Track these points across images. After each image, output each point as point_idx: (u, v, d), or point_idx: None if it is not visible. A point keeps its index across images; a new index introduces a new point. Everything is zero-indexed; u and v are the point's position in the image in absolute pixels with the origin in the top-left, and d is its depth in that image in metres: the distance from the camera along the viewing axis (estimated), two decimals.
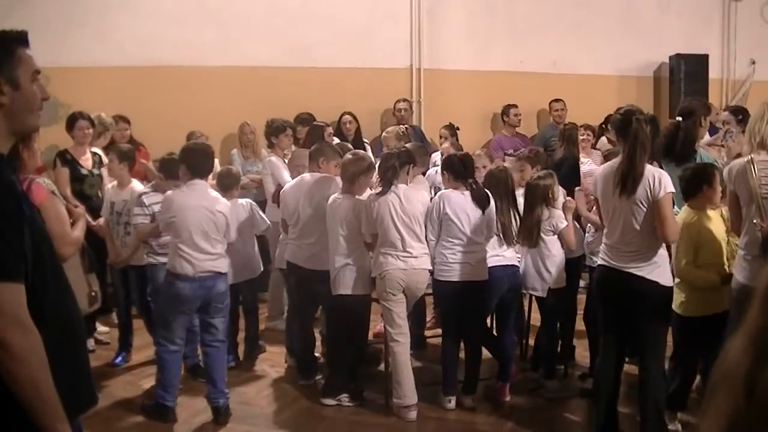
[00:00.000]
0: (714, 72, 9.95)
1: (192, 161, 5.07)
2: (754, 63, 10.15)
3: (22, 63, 2.11)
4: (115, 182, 6.16)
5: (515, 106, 9.39)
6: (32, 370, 1.93)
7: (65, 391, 2.01)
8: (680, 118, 5.37)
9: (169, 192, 5.20)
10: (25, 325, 1.93)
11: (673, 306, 4.67)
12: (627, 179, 4.18)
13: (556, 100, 9.47)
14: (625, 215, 4.24)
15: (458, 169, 5.31)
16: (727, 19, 10.31)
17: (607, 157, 5.66)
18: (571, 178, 6.78)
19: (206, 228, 4.97)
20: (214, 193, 5.17)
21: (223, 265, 5.08)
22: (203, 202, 4.99)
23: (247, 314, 6.46)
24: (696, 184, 4.66)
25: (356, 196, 5.30)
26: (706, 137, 6.22)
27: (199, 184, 5.04)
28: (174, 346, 5.08)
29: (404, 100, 9.24)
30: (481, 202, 5.21)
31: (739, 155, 4.77)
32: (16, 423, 1.96)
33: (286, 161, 7.24)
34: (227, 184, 6.05)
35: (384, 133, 7.78)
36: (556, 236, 5.43)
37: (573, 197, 5.81)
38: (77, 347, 2.26)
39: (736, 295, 4.26)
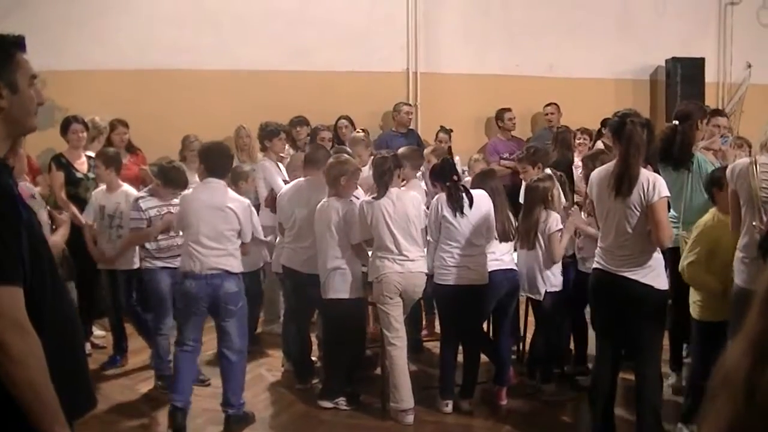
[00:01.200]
0: (710, 75, 9.96)
1: (208, 160, 5.13)
2: (750, 66, 10.16)
3: (20, 67, 2.13)
4: (104, 186, 6.16)
5: (509, 110, 9.38)
6: (31, 372, 1.93)
7: (64, 393, 2.00)
8: (677, 122, 5.38)
9: (185, 191, 5.26)
10: (24, 328, 1.93)
11: (690, 310, 4.68)
12: (622, 181, 4.18)
13: (549, 104, 9.47)
14: (618, 218, 4.24)
15: (439, 174, 5.32)
16: (723, 23, 10.33)
17: (584, 161, 5.69)
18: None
19: (214, 224, 4.95)
20: (230, 192, 5.17)
21: (232, 263, 4.98)
22: (214, 199, 4.99)
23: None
24: (709, 186, 4.72)
25: (343, 199, 5.31)
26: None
27: (213, 182, 5.06)
28: (186, 347, 5.03)
29: (407, 103, 9.24)
30: (457, 203, 5.17)
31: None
32: (15, 426, 1.95)
33: (281, 165, 7.25)
34: (232, 180, 6.34)
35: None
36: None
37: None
38: (75, 350, 2.26)
39: (734, 298, 4.26)
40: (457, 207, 5.15)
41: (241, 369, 5.13)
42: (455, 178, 5.29)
